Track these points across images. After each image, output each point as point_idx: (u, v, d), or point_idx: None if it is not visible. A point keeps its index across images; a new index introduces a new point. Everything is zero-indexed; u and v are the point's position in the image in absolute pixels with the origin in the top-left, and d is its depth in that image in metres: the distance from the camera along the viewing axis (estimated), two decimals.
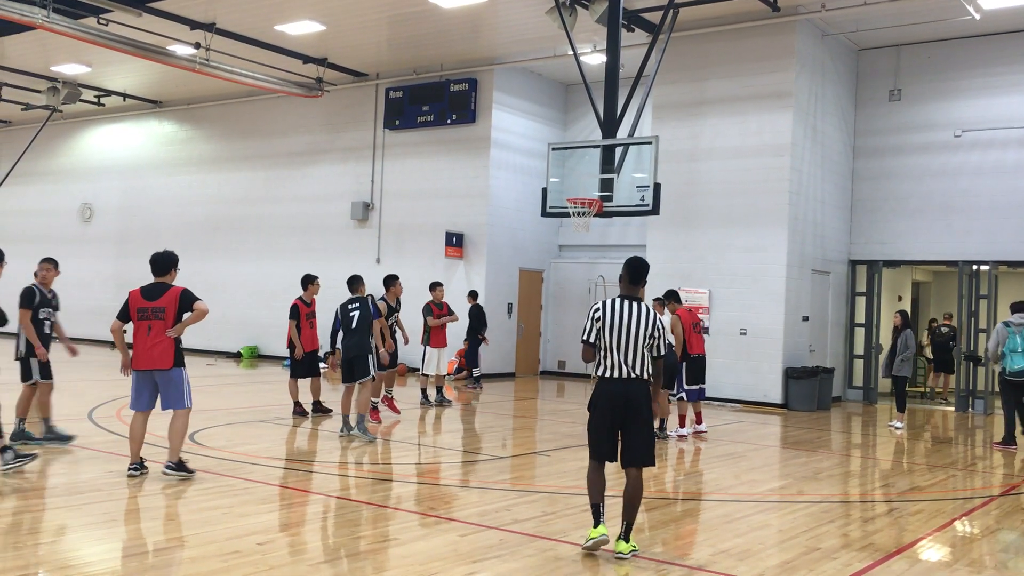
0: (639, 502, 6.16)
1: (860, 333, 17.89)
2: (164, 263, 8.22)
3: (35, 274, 9.50)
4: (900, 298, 19.64)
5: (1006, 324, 11.95)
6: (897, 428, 13.56)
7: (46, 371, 9.38)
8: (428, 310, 14.15)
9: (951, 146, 16.67)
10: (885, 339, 16.66)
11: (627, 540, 6.08)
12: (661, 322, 6.33)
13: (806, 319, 16.46)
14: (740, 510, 7.79)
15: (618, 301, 6.29)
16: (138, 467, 8.02)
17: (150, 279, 8.30)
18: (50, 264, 9.61)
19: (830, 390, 16.31)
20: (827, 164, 16.86)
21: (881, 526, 7.46)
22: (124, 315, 8.09)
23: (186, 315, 8.00)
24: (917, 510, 8.09)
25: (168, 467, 7.95)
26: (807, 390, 15.63)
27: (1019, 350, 11.69)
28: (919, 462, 11.06)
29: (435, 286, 14.44)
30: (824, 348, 17.19)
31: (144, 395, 8.03)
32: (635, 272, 6.38)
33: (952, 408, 16.83)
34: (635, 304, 6.26)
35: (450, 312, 14.40)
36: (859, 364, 17.85)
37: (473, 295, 17.11)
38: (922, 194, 16.89)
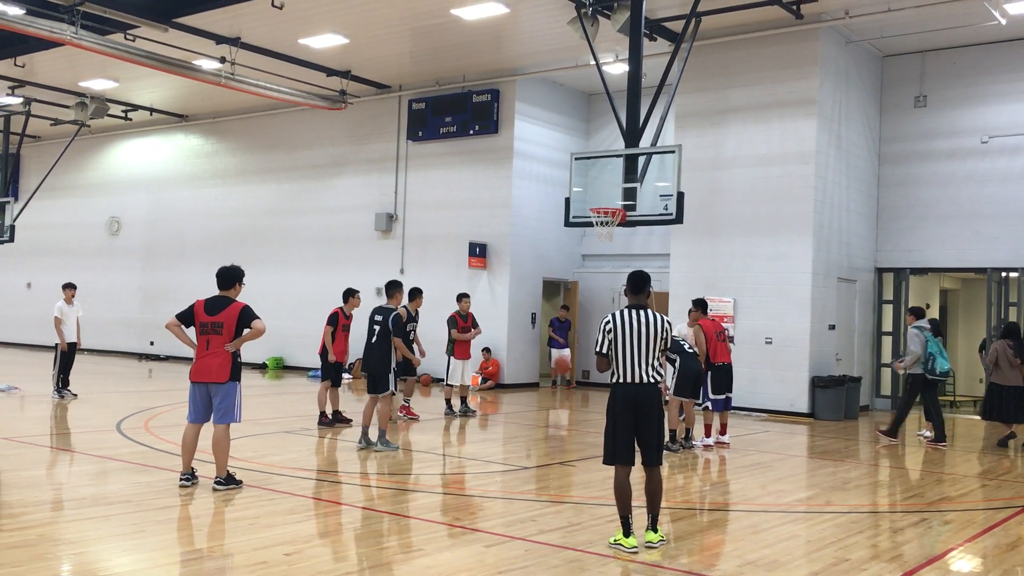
0: (660, 495, 6.65)
1: (888, 341, 17.72)
2: (228, 277, 8.25)
3: None
4: (928, 306, 19.44)
5: (920, 329, 12.78)
6: (926, 437, 13.40)
7: None
8: (453, 322, 14.16)
9: (978, 152, 16.51)
10: None
11: (655, 530, 6.55)
12: (669, 324, 6.73)
13: (832, 327, 16.33)
14: (767, 520, 7.73)
15: (627, 312, 6.67)
16: (190, 477, 8.13)
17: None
18: None
19: (857, 399, 16.15)
20: (852, 171, 16.74)
21: (911, 537, 7.37)
22: (185, 318, 8.15)
23: (245, 331, 8.06)
24: (947, 520, 7.99)
25: (218, 482, 8.02)
26: (834, 399, 15.49)
27: (939, 352, 12.64)
28: (948, 472, 10.92)
29: (462, 297, 14.45)
30: (851, 357, 17.03)
31: (199, 408, 8.12)
32: (636, 283, 6.80)
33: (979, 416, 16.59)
34: (643, 312, 6.65)
35: (475, 324, 14.41)
36: (886, 373, 17.67)
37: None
38: (949, 201, 16.73)
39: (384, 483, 9.02)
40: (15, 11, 15.45)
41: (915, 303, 18.37)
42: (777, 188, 15.93)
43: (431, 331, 15.57)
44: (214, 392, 8.05)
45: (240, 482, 8.17)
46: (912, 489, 9.90)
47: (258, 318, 8.09)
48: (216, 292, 8.28)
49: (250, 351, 22.32)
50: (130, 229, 26.77)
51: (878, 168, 17.53)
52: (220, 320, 8.01)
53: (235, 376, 8.08)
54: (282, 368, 22.61)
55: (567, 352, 19.66)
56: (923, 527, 7.75)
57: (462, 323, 14.19)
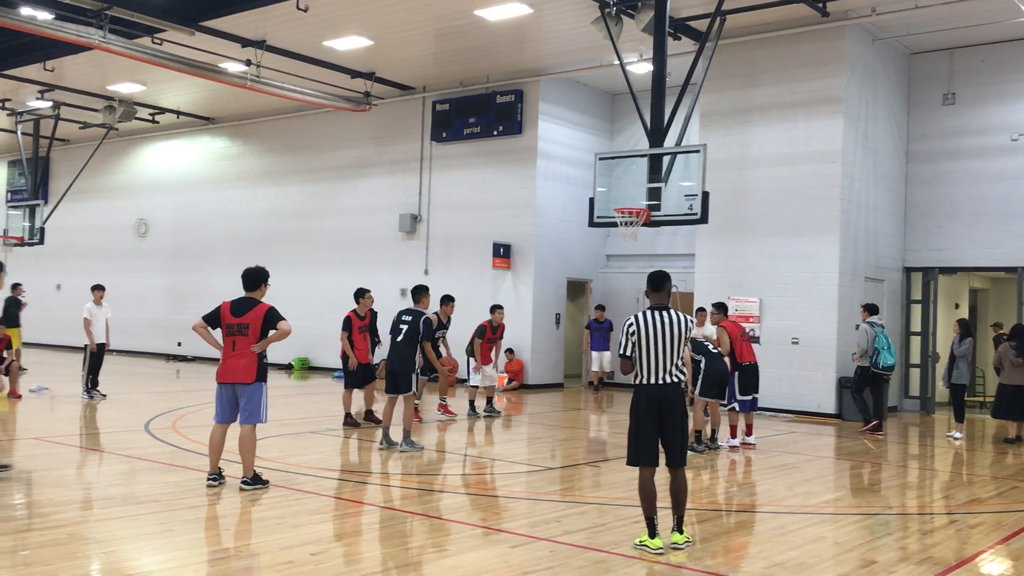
0: (686, 497, 6.62)
1: (916, 342, 17.54)
2: (254, 278, 8.31)
3: None
4: (957, 306, 19.23)
5: (871, 324, 13.60)
6: (956, 438, 13.26)
7: None
8: (481, 332, 14.11)
9: (1008, 150, 16.31)
10: (943, 348, 16.31)
11: (681, 531, 6.53)
12: (691, 322, 6.73)
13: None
14: (794, 522, 7.67)
15: (648, 313, 6.65)
16: (216, 477, 8.18)
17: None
18: None
19: (886, 400, 15.98)
20: (879, 170, 16.58)
21: (940, 539, 7.29)
22: (211, 320, 8.21)
23: (271, 332, 8.11)
24: (977, 522, 7.89)
25: (244, 482, 8.07)
26: (862, 400, 15.33)
27: (886, 347, 13.52)
28: (979, 473, 10.79)
29: (495, 308, 14.37)
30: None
31: (226, 408, 8.18)
32: (656, 282, 6.79)
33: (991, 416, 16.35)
34: (665, 313, 6.63)
35: (501, 336, 14.45)
36: (915, 373, 17.49)
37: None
38: (979, 199, 16.53)
39: (409, 483, 9.04)
40: (44, 16, 15.64)
41: (944, 302, 18.24)
42: (803, 187, 15.81)
43: (456, 332, 15.56)
44: (240, 393, 8.10)
45: (266, 482, 8.21)
46: (941, 491, 9.79)
47: (284, 319, 8.12)
48: (242, 293, 8.34)
49: (276, 352, 22.45)
50: (157, 231, 27.02)
51: (906, 166, 17.36)
52: (246, 321, 8.06)
53: (261, 377, 8.13)
54: (307, 369, 22.72)
55: (608, 355, 19.41)
56: (952, 529, 7.66)
57: (490, 334, 14.19)
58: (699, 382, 11.40)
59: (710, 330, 12.89)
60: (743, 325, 13.02)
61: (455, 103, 20.42)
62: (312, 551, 6.19)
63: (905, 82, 17.37)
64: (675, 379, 6.56)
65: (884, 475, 10.31)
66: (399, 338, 10.80)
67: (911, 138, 17.36)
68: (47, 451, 10.08)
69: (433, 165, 21.04)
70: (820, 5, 14.71)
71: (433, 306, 12.57)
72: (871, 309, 13.97)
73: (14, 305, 17.20)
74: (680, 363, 6.61)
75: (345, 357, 12.65)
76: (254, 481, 8.10)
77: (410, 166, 21.41)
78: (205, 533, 6.94)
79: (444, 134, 20.60)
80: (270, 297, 8.49)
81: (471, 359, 14.19)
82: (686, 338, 6.62)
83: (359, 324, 12.66)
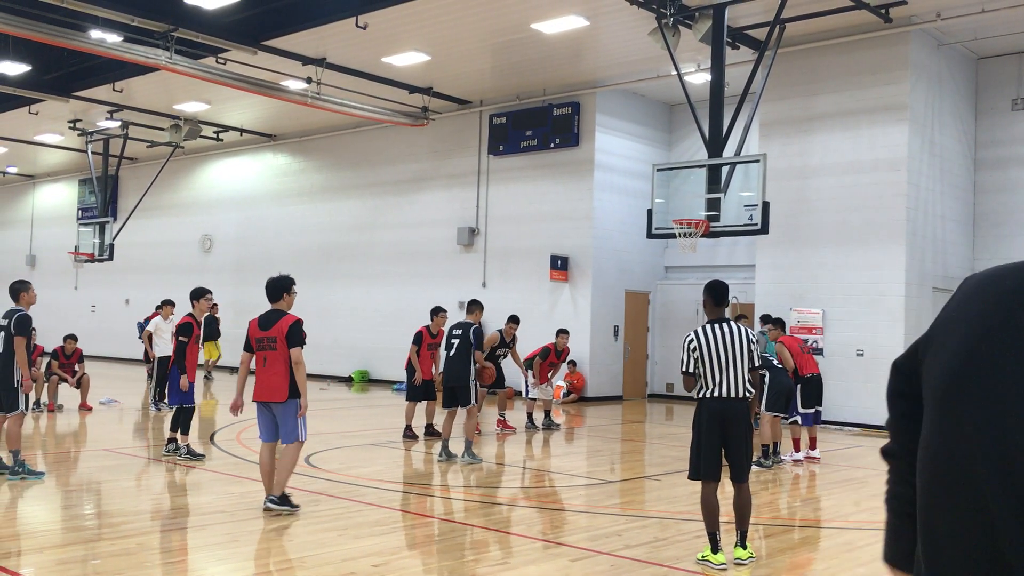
0: (749, 511, 6.51)
1: None
2: (275, 289, 7.89)
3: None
4: None
5: (763, 333, 13.67)
6: None
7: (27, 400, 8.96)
8: (545, 354, 14.18)
9: None
10: None
11: (744, 547, 6.44)
12: (753, 335, 6.59)
13: None
14: (862, 539, 7.49)
15: (709, 327, 6.53)
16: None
17: (264, 306, 8.14)
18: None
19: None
20: (946, 178, 16.20)
21: None
22: (248, 346, 7.98)
23: (295, 366, 7.64)
24: None
25: (271, 501, 7.62)
26: None
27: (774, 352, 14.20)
28: None
29: (561, 333, 14.49)
30: None
31: (269, 426, 7.83)
32: (719, 294, 6.65)
33: None
34: (725, 326, 6.51)
35: (564, 360, 14.87)
36: None
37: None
38: None
39: (470, 496, 9.05)
40: (113, 38, 16.11)
41: None
42: (867, 196, 15.51)
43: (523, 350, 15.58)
44: (276, 411, 7.73)
45: (297, 507, 7.68)
46: None
47: (302, 344, 7.68)
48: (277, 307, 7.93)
49: (336, 365, 22.73)
50: (222, 246, 27.57)
51: (974, 174, 16.93)
52: (273, 335, 7.67)
53: (294, 394, 7.65)
54: (367, 381, 22.92)
55: None
56: None
57: (553, 358, 14.28)
58: (764, 397, 11.22)
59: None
60: (801, 338, 12.82)
61: (512, 116, 20.49)
62: (374, 563, 6.22)
63: (972, 88, 16.95)
64: (744, 394, 6.41)
65: None
66: (452, 352, 10.87)
67: (979, 145, 16.93)
68: (117, 462, 10.32)
69: (490, 178, 21.12)
70: (883, 11, 14.45)
71: (499, 323, 12.78)
72: (764, 320, 14.60)
73: (212, 322, 18.39)
74: (748, 378, 6.47)
75: (411, 369, 12.71)
76: (282, 502, 7.61)
77: (468, 179, 21.52)
78: (269, 544, 7.02)
79: (501, 147, 20.68)
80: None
81: (530, 374, 14.20)
82: (749, 351, 6.48)
83: (429, 341, 12.63)
